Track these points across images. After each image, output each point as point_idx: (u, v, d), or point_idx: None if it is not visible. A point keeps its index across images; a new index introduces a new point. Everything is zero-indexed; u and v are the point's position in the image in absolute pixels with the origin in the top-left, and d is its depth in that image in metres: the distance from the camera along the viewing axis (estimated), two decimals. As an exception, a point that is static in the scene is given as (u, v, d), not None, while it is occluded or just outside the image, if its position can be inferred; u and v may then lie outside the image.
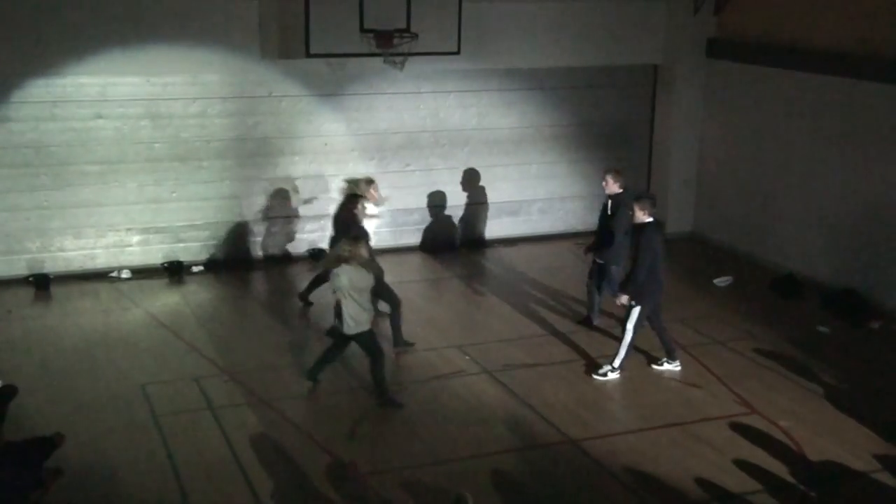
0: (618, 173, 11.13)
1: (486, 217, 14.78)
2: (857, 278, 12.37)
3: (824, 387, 10.02)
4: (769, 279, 13.17)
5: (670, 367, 10.32)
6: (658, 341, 10.42)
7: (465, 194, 14.56)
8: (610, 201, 11.13)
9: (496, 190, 14.72)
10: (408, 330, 11.10)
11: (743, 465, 8.43)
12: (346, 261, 9.20)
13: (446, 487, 7.85)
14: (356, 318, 9.24)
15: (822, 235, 12.97)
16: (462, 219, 14.65)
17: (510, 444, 8.83)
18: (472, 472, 8.26)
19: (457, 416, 9.31)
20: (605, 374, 10.07)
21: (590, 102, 14.98)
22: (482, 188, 14.64)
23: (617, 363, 10.08)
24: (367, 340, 9.39)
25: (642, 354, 10.65)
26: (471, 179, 14.54)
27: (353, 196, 11.01)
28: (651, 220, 9.98)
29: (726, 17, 14.39)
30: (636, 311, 9.97)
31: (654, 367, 10.36)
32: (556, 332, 11.36)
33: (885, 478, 8.31)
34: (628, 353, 10.09)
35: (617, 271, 11.07)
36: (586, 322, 11.52)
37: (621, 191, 11.00)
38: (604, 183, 11.15)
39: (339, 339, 9.50)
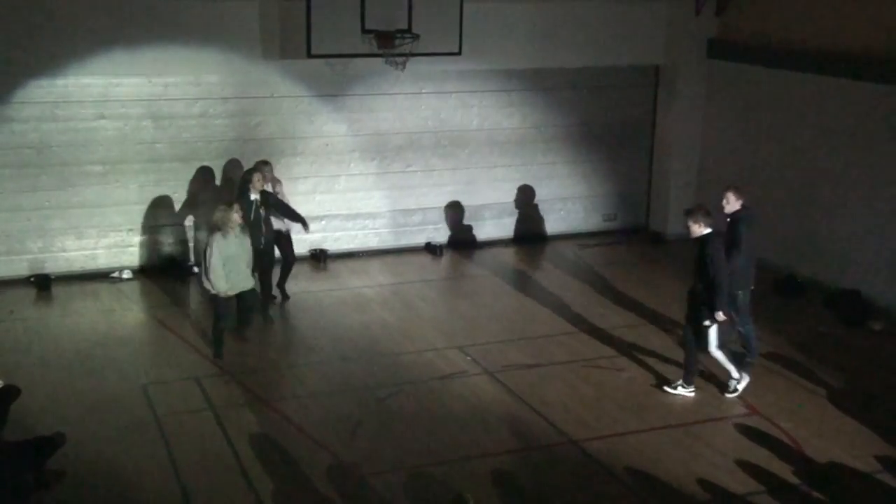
0: (738, 189, 10.10)
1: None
2: (858, 279, 12.36)
3: (826, 388, 10.01)
4: (770, 280, 13.15)
5: (684, 391, 9.82)
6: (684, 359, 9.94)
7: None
8: (728, 219, 10.05)
9: (497, 190, 14.72)
10: (408, 331, 11.13)
11: (744, 465, 8.42)
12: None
13: (447, 488, 7.85)
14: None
15: (824, 236, 12.96)
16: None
17: (511, 444, 8.82)
18: (473, 472, 8.26)
19: (457, 417, 9.30)
20: (735, 391, 9.72)
21: (591, 103, 14.98)
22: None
23: (735, 374, 9.71)
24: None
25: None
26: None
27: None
28: (710, 230, 9.38)
29: (728, 17, 14.39)
30: (714, 332, 9.49)
31: (666, 388, 9.85)
32: (556, 333, 11.34)
33: (886, 478, 8.30)
34: (735, 362, 9.74)
35: (744, 297, 10.03)
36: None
37: (741, 208, 10.02)
38: (724, 201, 10.02)
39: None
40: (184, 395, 9.60)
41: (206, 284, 10.17)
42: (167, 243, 13.20)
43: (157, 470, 8.22)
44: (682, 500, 7.95)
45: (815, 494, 8.05)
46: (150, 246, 13.12)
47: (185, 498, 7.84)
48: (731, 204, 10.03)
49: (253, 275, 10.60)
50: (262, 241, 11.12)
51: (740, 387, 9.76)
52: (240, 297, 10.38)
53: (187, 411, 9.28)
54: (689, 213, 9.53)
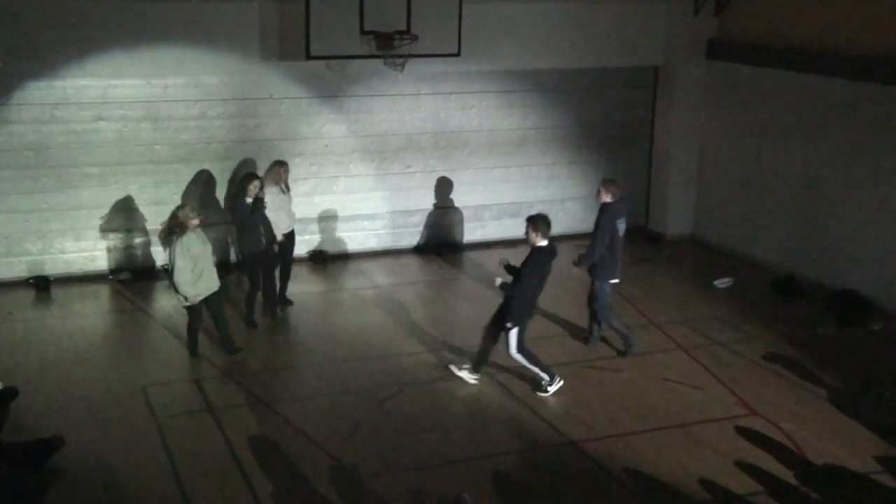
0: (609, 183, 10.58)
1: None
2: (857, 279, 12.36)
3: (825, 388, 10.01)
4: (770, 280, 13.17)
5: (469, 376, 9.94)
6: (477, 350, 9.98)
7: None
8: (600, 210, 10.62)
9: (496, 191, 14.72)
10: (407, 332, 11.13)
11: (744, 466, 8.42)
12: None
13: (446, 489, 7.84)
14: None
15: (823, 236, 12.96)
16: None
17: (510, 445, 8.83)
18: (472, 473, 8.27)
19: (456, 418, 9.31)
20: (545, 391, 9.72)
21: (590, 104, 14.98)
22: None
23: (544, 375, 9.74)
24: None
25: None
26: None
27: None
28: (545, 244, 9.52)
29: (727, 18, 14.39)
30: (515, 335, 9.59)
31: (452, 367, 10.03)
32: (555, 334, 11.34)
33: (885, 479, 8.31)
34: (540, 363, 9.77)
35: (600, 289, 10.59)
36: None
37: (611, 201, 10.46)
38: (595, 193, 10.66)
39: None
40: (183, 397, 9.61)
41: (177, 293, 10.14)
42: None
43: (157, 471, 8.22)
44: (682, 501, 7.95)
45: (814, 495, 8.05)
46: (149, 247, 13.11)
47: (185, 499, 7.84)
48: (602, 196, 10.50)
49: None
50: (263, 242, 11.15)
51: (551, 388, 9.73)
52: (206, 302, 10.26)
53: (186, 412, 9.28)
54: (531, 220, 9.58)
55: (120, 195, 12.85)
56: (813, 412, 9.49)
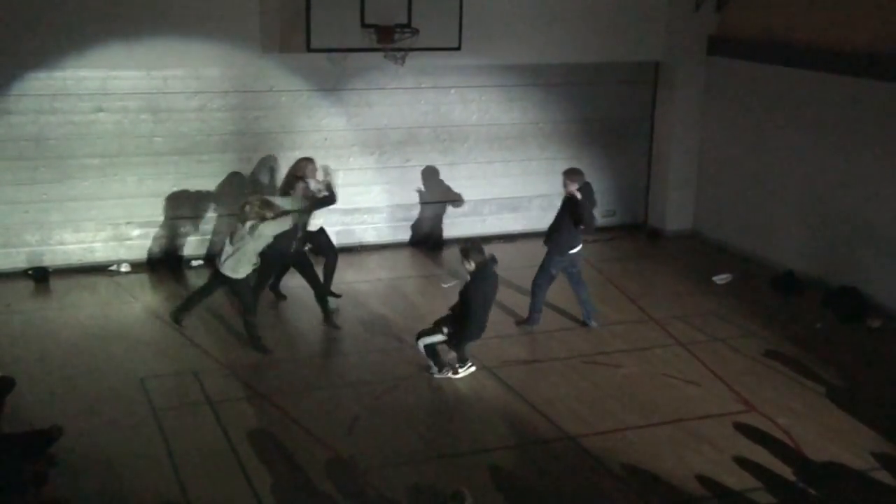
0: (570, 173, 11.22)
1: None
2: (856, 276, 12.36)
3: (824, 385, 10.02)
4: (769, 277, 13.17)
5: (464, 370, 10.01)
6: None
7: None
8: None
9: (496, 186, 14.71)
10: (406, 326, 11.16)
11: (742, 462, 8.43)
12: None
13: (444, 483, 7.85)
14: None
15: (822, 233, 12.96)
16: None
17: (508, 440, 8.83)
18: (471, 468, 8.27)
19: (455, 412, 9.32)
20: (456, 373, 9.92)
21: (590, 99, 14.96)
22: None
23: (435, 367, 9.92)
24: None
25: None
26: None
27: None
28: (476, 269, 9.59)
29: (728, 14, 14.37)
30: (438, 339, 9.80)
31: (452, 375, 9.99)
32: (554, 329, 11.35)
33: (883, 476, 8.31)
34: (439, 360, 9.93)
35: (550, 260, 11.16)
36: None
37: (578, 188, 11.07)
38: (562, 184, 11.21)
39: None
40: (181, 389, 9.61)
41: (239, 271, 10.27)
42: (165, 237, 13.18)
43: (155, 463, 8.23)
44: (680, 497, 7.96)
45: (812, 492, 8.06)
46: (148, 239, 13.10)
47: (183, 491, 7.84)
48: (568, 186, 11.11)
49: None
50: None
51: (461, 371, 9.93)
52: (231, 283, 10.47)
53: (185, 405, 9.28)
54: (461, 251, 9.75)
55: (119, 187, 12.83)
56: (811, 408, 9.49)
